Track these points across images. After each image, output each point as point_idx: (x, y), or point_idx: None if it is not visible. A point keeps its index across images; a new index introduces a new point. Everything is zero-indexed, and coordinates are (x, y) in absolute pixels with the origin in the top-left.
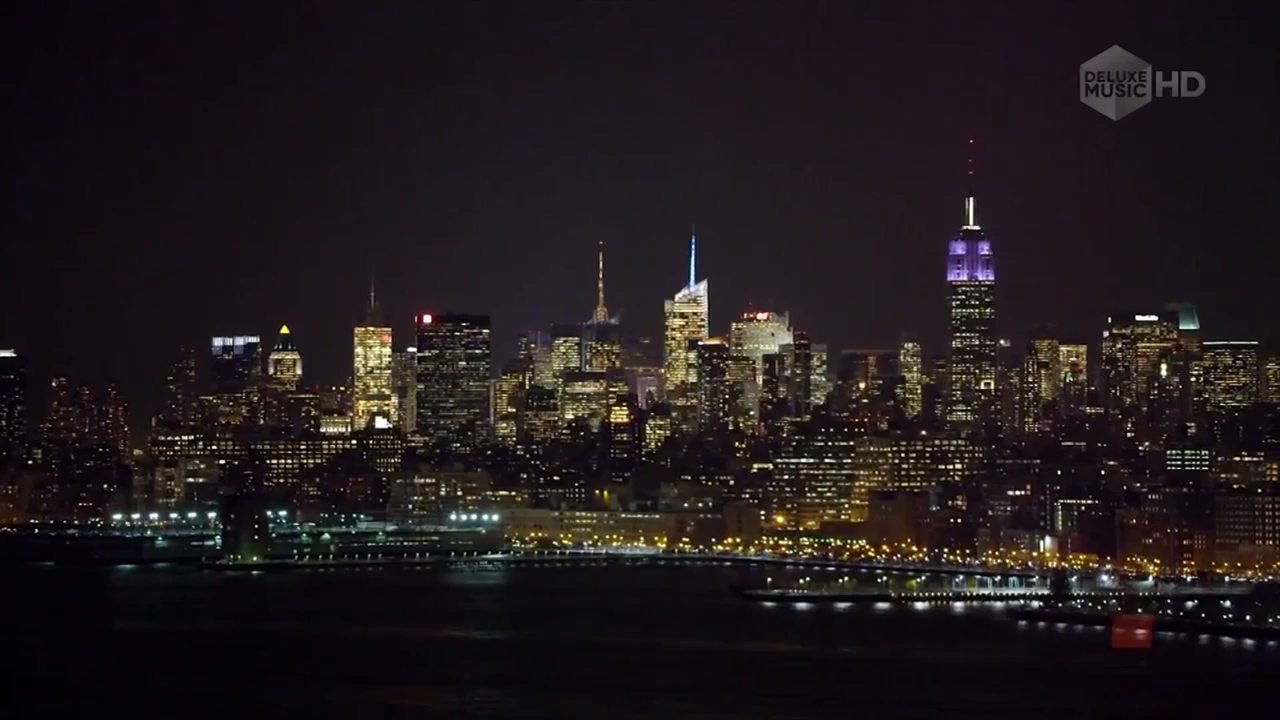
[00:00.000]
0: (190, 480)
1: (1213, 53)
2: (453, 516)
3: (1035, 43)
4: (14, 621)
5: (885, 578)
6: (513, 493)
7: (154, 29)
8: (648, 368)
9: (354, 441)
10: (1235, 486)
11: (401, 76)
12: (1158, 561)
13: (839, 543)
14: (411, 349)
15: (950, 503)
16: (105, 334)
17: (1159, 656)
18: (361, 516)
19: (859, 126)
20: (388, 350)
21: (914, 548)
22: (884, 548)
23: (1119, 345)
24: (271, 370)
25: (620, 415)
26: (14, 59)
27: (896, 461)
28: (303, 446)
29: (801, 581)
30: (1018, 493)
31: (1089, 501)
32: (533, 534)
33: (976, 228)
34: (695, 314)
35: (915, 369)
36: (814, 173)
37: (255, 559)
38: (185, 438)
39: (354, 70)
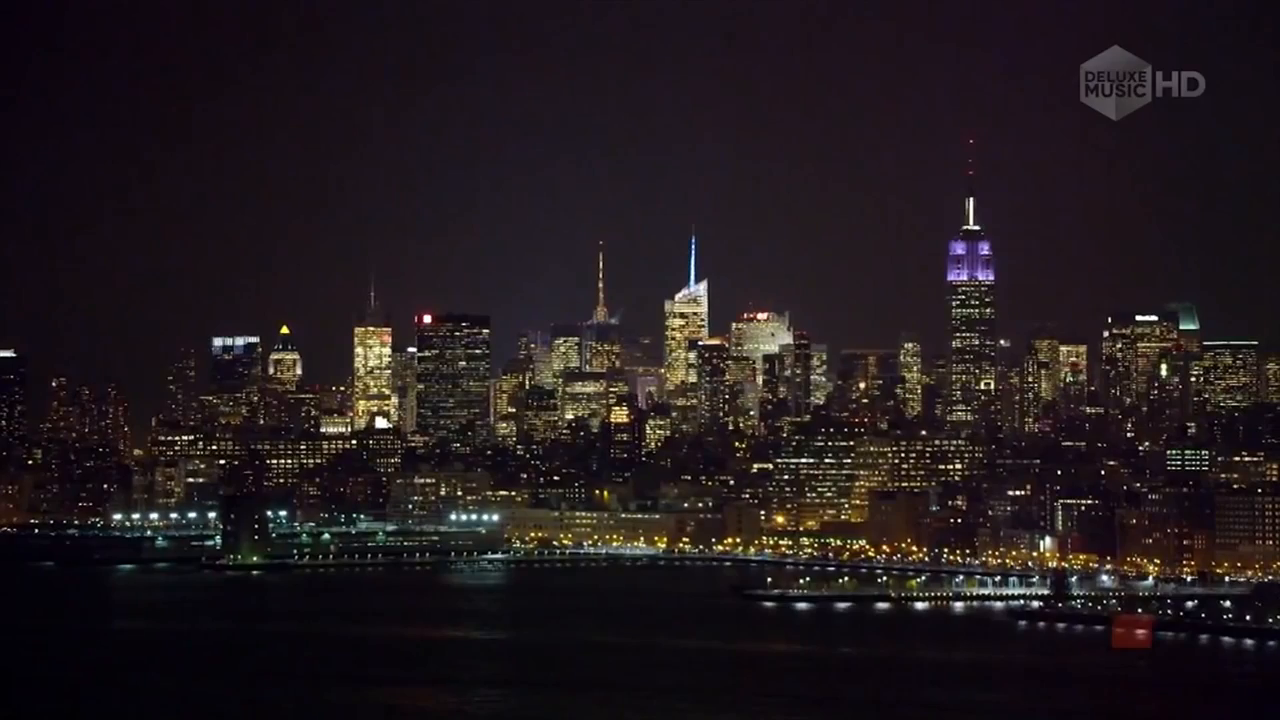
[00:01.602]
0: (190, 480)
1: (1213, 53)
2: (453, 516)
3: (1035, 43)
4: (14, 621)
5: (885, 578)
6: (513, 493)
7: (154, 29)
8: (648, 368)
9: (354, 441)
10: (1235, 486)
11: (401, 76)
12: (1158, 561)
13: (839, 543)
14: (411, 349)
15: (950, 503)
16: (105, 334)
17: (1159, 656)
18: (361, 516)
19: (859, 126)
20: (388, 350)
21: (914, 548)
22: (884, 548)
23: (1119, 345)
24: (271, 370)
25: (620, 415)
26: (14, 59)
27: (896, 461)
28: (303, 446)
29: (801, 581)
30: (1018, 493)
31: (1089, 501)
32: (533, 534)
33: (976, 228)
34: (695, 314)
35: (915, 369)
36: (814, 173)
37: (255, 559)
38: (185, 438)
39: (354, 70)
